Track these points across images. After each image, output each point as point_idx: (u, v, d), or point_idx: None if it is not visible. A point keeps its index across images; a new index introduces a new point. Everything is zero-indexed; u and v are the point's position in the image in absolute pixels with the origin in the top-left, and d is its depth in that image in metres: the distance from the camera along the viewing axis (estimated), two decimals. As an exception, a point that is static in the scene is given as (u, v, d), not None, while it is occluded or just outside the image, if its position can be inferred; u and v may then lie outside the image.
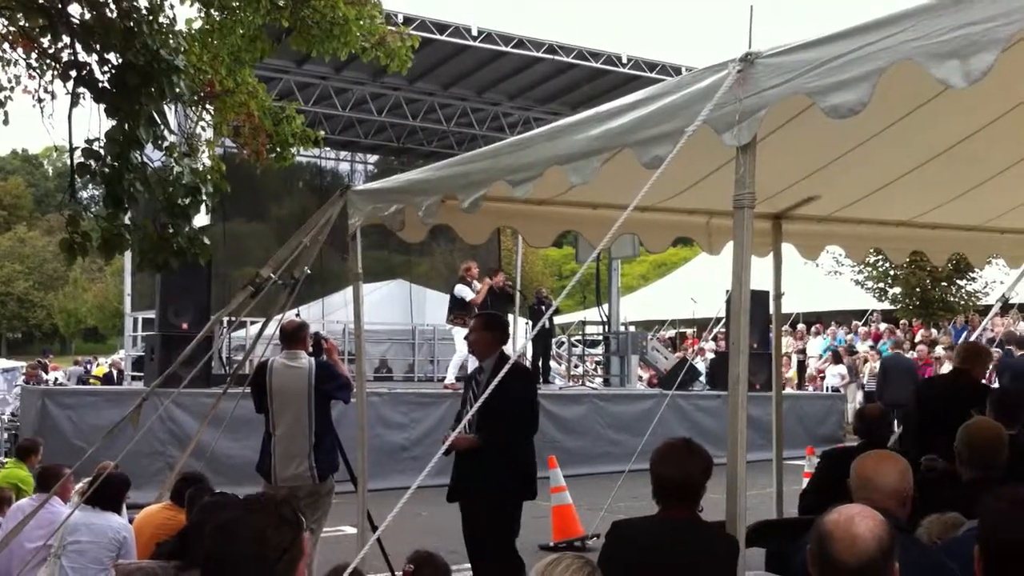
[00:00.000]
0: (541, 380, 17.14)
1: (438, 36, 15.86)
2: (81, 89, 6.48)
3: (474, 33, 16.41)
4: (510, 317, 15.14)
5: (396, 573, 6.01)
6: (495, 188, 4.95)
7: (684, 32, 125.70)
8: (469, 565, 6.87)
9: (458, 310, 15.78)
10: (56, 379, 26.99)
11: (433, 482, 6.44)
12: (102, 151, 6.16)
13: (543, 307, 15.99)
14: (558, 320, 27.13)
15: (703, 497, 3.93)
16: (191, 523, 4.87)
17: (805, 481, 8.35)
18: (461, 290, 15.82)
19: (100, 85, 6.30)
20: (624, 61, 17.66)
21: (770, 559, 5.48)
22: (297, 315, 11.58)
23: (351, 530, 7.83)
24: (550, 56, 17.17)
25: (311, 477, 7.17)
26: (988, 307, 20.90)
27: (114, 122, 6.20)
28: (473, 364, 15.37)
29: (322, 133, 9.82)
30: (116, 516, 6.27)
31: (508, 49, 16.82)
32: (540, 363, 17.91)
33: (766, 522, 5.89)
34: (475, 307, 15.51)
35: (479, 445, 6.34)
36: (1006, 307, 16.58)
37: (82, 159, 6.22)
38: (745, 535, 3.81)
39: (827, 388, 22.00)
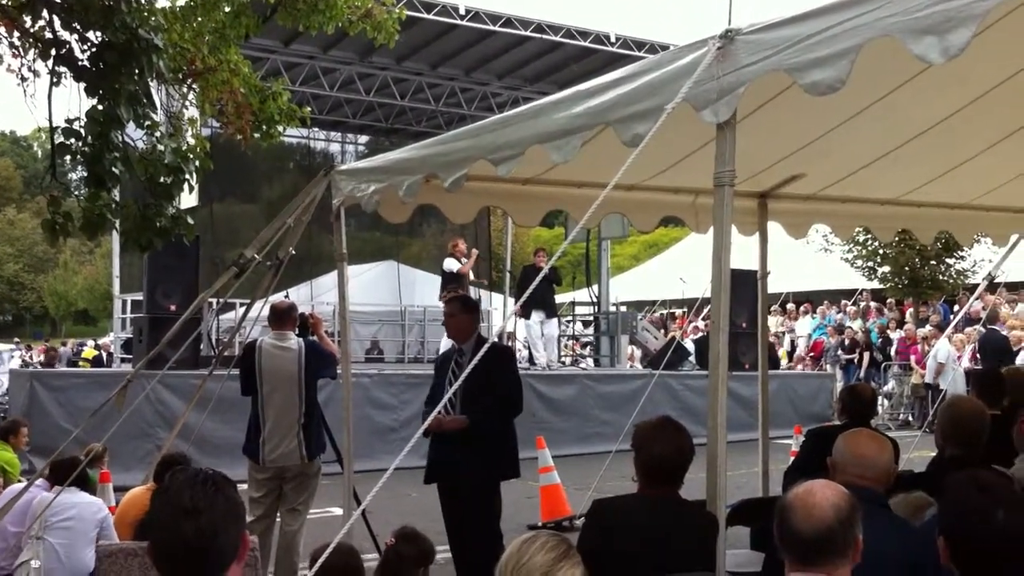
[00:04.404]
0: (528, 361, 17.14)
1: (425, 15, 15.77)
2: (61, 68, 6.43)
3: (461, 12, 16.35)
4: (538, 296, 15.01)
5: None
6: (480, 167, 4.91)
7: (673, 9, 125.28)
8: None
9: (449, 284, 15.76)
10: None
11: (421, 463, 6.48)
12: (83, 131, 6.11)
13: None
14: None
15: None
16: None
17: (792, 460, 8.36)
18: (449, 263, 15.77)
19: (80, 64, 6.25)
20: (612, 40, 17.63)
21: (756, 537, 5.51)
22: (286, 296, 11.55)
23: (338, 511, 7.84)
24: (538, 35, 17.12)
25: (300, 457, 7.16)
26: (977, 285, 20.96)
27: (94, 101, 6.15)
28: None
29: (308, 110, 9.74)
30: (89, 495, 6.36)
31: (496, 28, 16.76)
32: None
33: (747, 501, 5.92)
34: (465, 278, 15.47)
35: (467, 427, 6.34)
36: (993, 286, 16.61)
37: (62, 139, 6.17)
38: (726, 514, 3.82)
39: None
